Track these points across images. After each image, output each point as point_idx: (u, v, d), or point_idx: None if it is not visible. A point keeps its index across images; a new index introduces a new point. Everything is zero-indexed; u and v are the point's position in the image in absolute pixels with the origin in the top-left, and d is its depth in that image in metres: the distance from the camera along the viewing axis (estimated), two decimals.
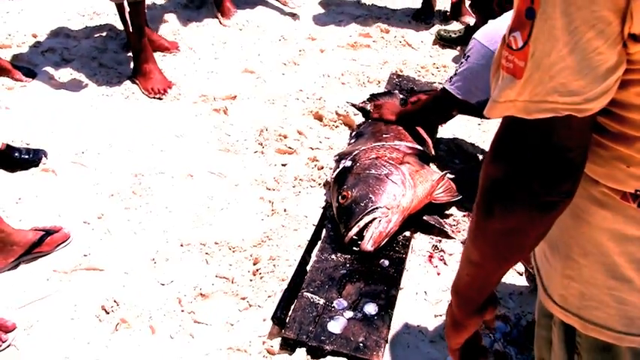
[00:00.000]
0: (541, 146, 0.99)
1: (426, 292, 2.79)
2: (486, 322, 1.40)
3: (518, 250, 1.14)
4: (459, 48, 4.68)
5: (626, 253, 1.13)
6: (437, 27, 5.07)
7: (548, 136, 0.98)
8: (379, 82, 4.30)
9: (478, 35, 3.00)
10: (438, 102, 3.27)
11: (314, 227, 3.07)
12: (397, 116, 3.54)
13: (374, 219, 2.84)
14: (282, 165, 3.52)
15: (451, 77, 3.12)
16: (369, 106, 3.81)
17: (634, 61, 0.94)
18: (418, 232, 3.08)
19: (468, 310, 1.33)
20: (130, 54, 4.35)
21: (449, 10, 5.28)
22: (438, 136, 3.72)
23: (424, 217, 3.08)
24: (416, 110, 3.49)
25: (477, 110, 3.11)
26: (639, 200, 1.08)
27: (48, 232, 2.92)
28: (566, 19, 0.89)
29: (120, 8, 3.99)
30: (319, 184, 3.37)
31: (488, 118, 3.10)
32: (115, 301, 2.68)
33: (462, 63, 3.06)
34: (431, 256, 2.97)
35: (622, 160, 1.07)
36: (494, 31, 2.95)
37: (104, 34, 4.75)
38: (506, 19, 2.90)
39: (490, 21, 3.02)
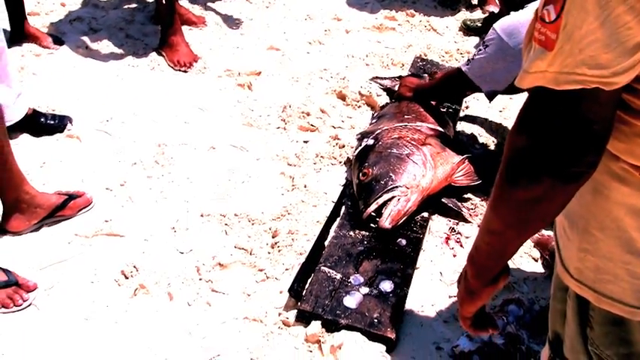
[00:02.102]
0: (568, 117, 1.02)
1: (441, 273, 2.81)
2: (499, 289, 1.42)
3: (540, 219, 1.17)
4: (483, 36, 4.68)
5: None
6: (462, 13, 5.06)
7: (575, 108, 1.01)
8: (403, 65, 4.31)
9: (498, 27, 3.03)
10: (452, 81, 3.33)
11: (333, 204, 3.10)
12: (413, 92, 3.57)
13: (393, 197, 2.87)
14: (304, 142, 3.54)
15: (468, 60, 3.16)
16: (395, 86, 3.84)
17: None
18: (436, 214, 3.10)
19: (484, 280, 1.36)
20: (157, 26, 4.38)
21: None
22: (460, 121, 3.73)
23: (443, 200, 3.10)
24: (431, 87, 3.54)
25: (489, 96, 3.16)
26: None
27: (71, 197, 2.96)
28: None
29: None
30: (340, 162, 3.39)
31: (491, 100, 3.16)
32: (134, 267, 2.72)
33: (480, 50, 3.09)
34: (448, 238, 2.99)
35: None
36: (514, 25, 2.98)
37: (132, 5, 4.78)
38: (528, 12, 2.93)
39: (512, 12, 3.03)
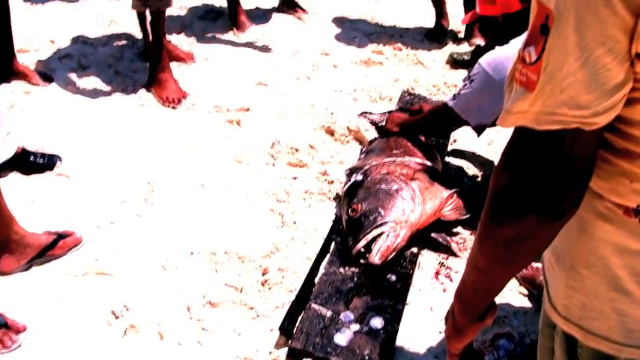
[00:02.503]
0: (550, 156, 1.03)
1: (431, 308, 2.82)
2: (486, 326, 1.42)
3: (525, 256, 1.18)
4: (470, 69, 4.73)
5: (627, 266, 1.17)
6: (449, 46, 5.11)
7: (557, 147, 1.02)
8: (391, 99, 4.34)
9: (483, 61, 3.07)
10: (438, 116, 3.35)
11: (323, 240, 3.11)
12: (400, 127, 3.59)
13: (382, 233, 2.88)
14: (293, 178, 3.55)
15: (454, 95, 3.19)
16: (384, 121, 3.88)
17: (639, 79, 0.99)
18: (425, 249, 3.11)
19: (471, 316, 1.37)
20: (146, 63, 4.41)
21: (461, 30, 5.33)
22: (448, 154, 3.76)
23: (432, 234, 3.11)
24: (417, 122, 3.55)
25: (477, 130, 3.19)
26: None
27: (60, 236, 2.96)
28: (578, 35, 0.94)
29: (141, 17, 4.05)
30: (329, 198, 3.41)
31: (479, 134, 3.19)
32: (124, 306, 2.72)
33: (465, 85, 3.13)
34: (437, 273, 2.99)
35: (625, 176, 1.11)
36: (499, 60, 3.02)
37: (121, 42, 4.81)
38: (512, 47, 2.98)
39: (497, 47, 3.07)
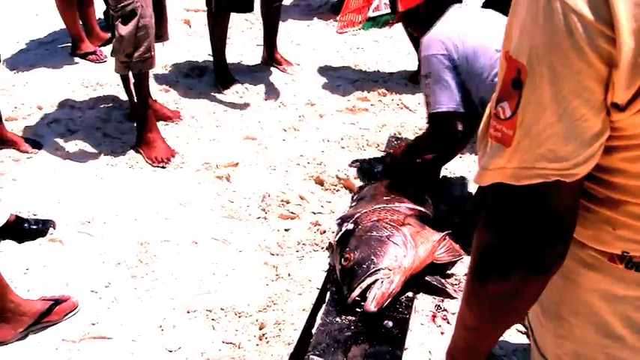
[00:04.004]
0: (532, 211, 1.05)
1: (430, 352, 2.82)
2: None
3: (514, 313, 1.19)
4: None
5: (616, 312, 1.18)
6: None
7: (538, 202, 1.04)
8: (378, 145, 4.38)
9: (422, 53, 3.26)
10: (433, 134, 3.41)
11: (318, 291, 3.12)
12: (401, 154, 3.68)
13: (376, 280, 2.88)
14: (285, 230, 3.57)
15: (428, 103, 3.27)
16: (376, 169, 3.99)
17: (617, 128, 1.00)
18: (420, 293, 3.11)
19: None
20: (133, 123, 4.44)
21: None
22: (438, 196, 3.78)
23: (426, 278, 3.12)
24: (416, 142, 3.63)
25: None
26: (626, 261, 1.12)
27: (56, 302, 2.96)
28: (553, 88, 0.96)
29: (125, 79, 4.10)
30: (322, 248, 3.42)
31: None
32: None
33: (427, 84, 3.23)
34: (434, 316, 3.00)
35: (608, 223, 1.12)
36: (430, 39, 3.24)
37: (108, 104, 4.85)
38: (437, 27, 3.23)
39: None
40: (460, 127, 3.26)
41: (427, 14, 3.32)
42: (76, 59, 5.54)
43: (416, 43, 4.81)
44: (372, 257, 2.97)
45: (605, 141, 1.01)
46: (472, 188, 3.87)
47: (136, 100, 4.15)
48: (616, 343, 1.20)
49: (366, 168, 4.05)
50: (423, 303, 3.08)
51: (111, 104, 4.85)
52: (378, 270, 2.92)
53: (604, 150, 1.03)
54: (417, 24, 3.45)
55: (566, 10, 0.93)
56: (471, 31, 3.21)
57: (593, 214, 1.14)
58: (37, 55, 5.63)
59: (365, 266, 2.95)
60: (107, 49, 5.30)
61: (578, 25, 0.92)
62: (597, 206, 1.13)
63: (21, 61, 5.45)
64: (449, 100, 3.19)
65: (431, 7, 3.32)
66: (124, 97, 4.68)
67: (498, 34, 3.27)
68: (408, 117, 4.77)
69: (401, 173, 3.67)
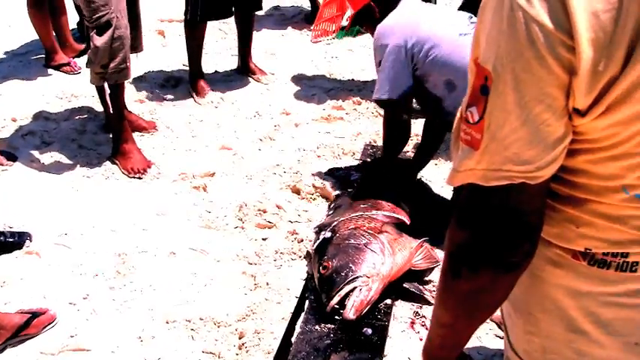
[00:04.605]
0: (500, 211, 1.09)
1: (409, 358, 2.84)
2: None
3: (486, 308, 1.23)
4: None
5: (581, 308, 1.21)
6: None
7: (505, 202, 1.08)
8: (354, 153, 4.40)
9: (375, 43, 3.39)
10: (385, 123, 3.58)
11: (297, 299, 3.13)
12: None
13: (355, 288, 2.90)
14: (263, 239, 3.58)
15: (376, 89, 3.41)
16: (353, 177, 4.01)
17: (579, 132, 1.04)
18: (399, 300, 3.14)
19: None
20: (109, 135, 4.44)
21: None
22: (415, 203, 3.80)
23: (404, 285, 3.14)
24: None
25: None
26: (589, 258, 1.17)
27: (34, 315, 2.95)
28: (517, 94, 1.00)
29: (100, 90, 4.10)
30: (300, 257, 3.43)
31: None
32: None
33: (378, 71, 3.37)
34: (413, 322, 3.03)
35: (572, 222, 1.16)
36: (382, 28, 3.35)
37: (83, 116, 4.84)
38: (390, 16, 3.35)
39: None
40: (403, 117, 3.47)
41: (380, 11, 3.41)
42: (50, 71, 5.54)
43: None
44: (350, 265, 2.99)
45: (569, 144, 1.06)
46: (448, 195, 3.90)
47: (111, 111, 4.15)
48: (582, 338, 1.24)
49: (342, 176, 4.07)
50: (402, 310, 3.11)
51: (86, 115, 4.85)
52: (357, 278, 2.94)
53: (568, 152, 1.07)
54: (371, 22, 3.51)
55: (528, 20, 0.97)
56: (426, 18, 3.30)
57: (558, 212, 1.18)
58: (11, 66, 5.63)
59: (343, 274, 2.97)
60: (81, 61, 5.32)
61: (539, 34, 0.96)
62: (562, 205, 1.17)
63: None
64: (391, 90, 3.32)
65: (382, 2, 3.43)
66: (99, 108, 4.69)
67: (455, 20, 3.37)
68: (381, 125, 4.79)
69: (378, 177, 3.71)
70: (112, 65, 3.95)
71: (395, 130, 3.55)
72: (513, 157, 1.03)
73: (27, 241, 3.49)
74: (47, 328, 2.97)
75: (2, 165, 4.17)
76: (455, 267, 1.18)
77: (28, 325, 2.91)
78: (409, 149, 4.25)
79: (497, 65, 1.01)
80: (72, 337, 2.94)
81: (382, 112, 4.81)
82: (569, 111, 1.01)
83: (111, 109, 4.16)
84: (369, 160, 4.21)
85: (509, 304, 1.36)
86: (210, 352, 2.86)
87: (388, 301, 3.08)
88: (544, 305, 1.26)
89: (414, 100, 3.50)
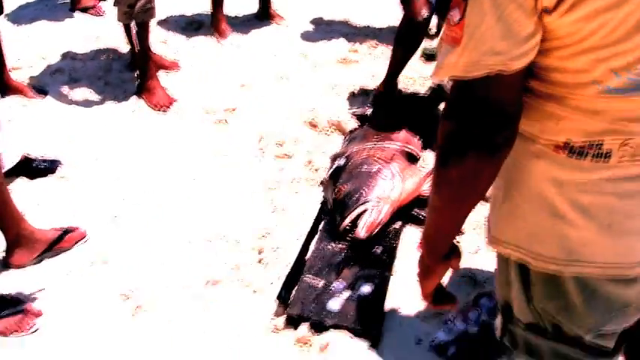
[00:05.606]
0: (481, 100, 1.25)
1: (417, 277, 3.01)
2: (453, 268, 1.62)
3: (473, 192, 1.37)
4: None
5: (562, 195, 1.36)
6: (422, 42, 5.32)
7: (486, 93, 1.24)
8: (369, 92, 4.54)
9: None
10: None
11: (312, 222, 3.33)
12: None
13: (366, 210, 3.10)
14: (281, 169, 3.76)
15: None
16: (367, 112, 4.17)
17: (549, 30, 1.20)
18: (408, 224, 3.31)
19: (437, 256, 1.56)
20: (134, 73, 4.63)
21: (432, 27, 5.52)
22: (425, 138, 3.96)
23: (413, 210, 3.33)
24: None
25: None
26: (568, 149, 1.32)
27: (66, 231, 3.17)
28: None
29: (127, 28, 4.27)
30: (316, 184, 3.62)
31: None
32: (131, 290, 2.93)
33: None
34: (420, 246, 3.20)
35: (552, 117, 1.32)
36: None
37: (108, 56, 5.00)
38: None
39: None
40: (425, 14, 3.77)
41: None
42: (76, 14, 5.67)
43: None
44: (362, 189, 3.19)
45: (542, 43, 1.22)
46: None
47: (137, 49, 4.32)
48: (563, 222, 1.38)
49: (357, 112, 4.24)
50: (410, 234, 3.28)
51: (111, 56, 5.01)
52: (368, 201, 3.14)
53: (541, 51, 1.23)
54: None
55: None
56: None
57: (540, 110, 1.33)
58: (37, 10, 5.76)
59: (355, 197, 3.16)
60: (106, 4, 5.46)
61: None
62: (542, 102, 1.32)
63: (21, 16, 5.58)
64: None
65: None
66: (123, 49, 4.87)
67: None
68: None
69: (389, 109, 3.90)
70: (138, 4, 4.12)
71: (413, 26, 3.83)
72: (489, 50, 1.19)
73: (58, 167, 3.71)
74: (79, 243, 3.19)
75: (34, 99, 4.35)
76: (444, 156, 1.33)
77: (61, 240, 3.13)
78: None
79: None
80: (102, 251, 3.16)
81: None
82: (538, 10, 1.17)
83: (137, 47, 4.33)
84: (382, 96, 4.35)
85: (496, 198, 1.51)
86: (231, 266, 3.07)
87: (398, 225, 3.27)
88: (529, 195, 1.41)
89: None
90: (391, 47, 5.07)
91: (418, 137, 3.76)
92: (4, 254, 3.08)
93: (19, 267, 3.04)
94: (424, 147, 3.74)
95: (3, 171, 3.05)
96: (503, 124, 1.27)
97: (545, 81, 1.30)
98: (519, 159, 1.37)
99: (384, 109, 4.01)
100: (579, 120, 1.29)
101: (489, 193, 1.46)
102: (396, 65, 4.08)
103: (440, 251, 1.55)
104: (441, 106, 3.99)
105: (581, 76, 1.25)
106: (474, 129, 1.26)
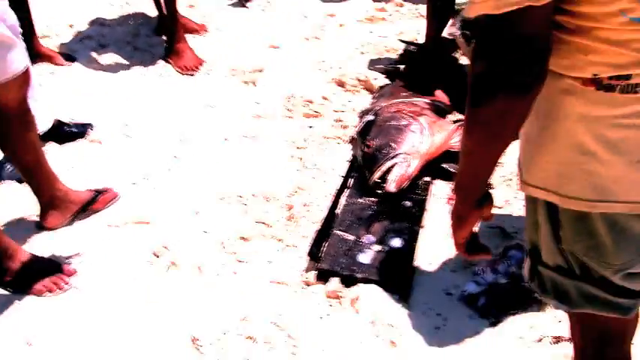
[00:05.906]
0: (512, 37, 1.24)
1: (446, 231, 3.02)
2: (485, 217, 1.59)
3: (504, 133, 1.36)
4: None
5: (590, 131, 1.35)
6: None
7: (517, 28, 1.23)
8: (396, 50, 4.53)
9: None
10: None
11: (341, 178, 3.34)
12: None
13: (395, 164, 3.11)
14: (310, 127, 3.78)
15: None
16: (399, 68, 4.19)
17: None
18: (437, 179, 3.32)
19: (469, 202, 1.53)
20: (162, 37, 4.65)
21: None
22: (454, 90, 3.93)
23: (443, 165, 3.32)
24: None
25: None
26: (597, 83, 1.31)
27: (99, 192, 3.20)
28: None
29: None
30: (344, 141, 3.63)
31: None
32: (164, 247, 2.96)
33: None
34: (450, 199, 3.20)
35: (580, 51, 1.31)
36: None
37: (136, 21, 5.02)
38: None
39: None
40: None
41: None
42: None
43: None
44: (392, 143, 3.19)
45: None
46: None
47: (165, 12, 4.33)
48: (592, 159, 1.37)
49: (385, 70, 4.23)
50: (440, 188, 3.29)
51: (139, 21, 5.02)
52: (397, 155, 3.14)
53: None
54: None
55: None
56: None
57: (568, 44, 1.32)
58: None
59: (385, 151, 3.17)
60: None
61: None
62: (570, 36, 1.31)
63: None
64: None
65: None
66: (150, 14, 4.88)
67: None
68: (424, 25, 4.86)
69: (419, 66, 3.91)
70: None
71: None
72: None
73: (89, 130, 3.74)
74: (111, 203, 3.22)
75: (62, 65, 4.38)
76: (475, 96, 1.32)
77: (95, 201, 3.17)
78: None
79: None
80: (134, 211, 3.19)
81: (423, 12, 4.94)
82: None
83: (165, 10, 4.34)
84: (410, 53, 4.34)
85: (524, 139, 1.51)
86: (262, 222, 3.09)
87: (427, 179, 3.27)
88: (559, 134, 1.40)
89: None
90: (417, 4, 5.06)
91: (446, 90, 3.75)
92: (37, 217, 3.11)
93: (53, 228, 3.08)
94: (455, 105, 3.72)
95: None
96: (534, 59, 1.26)
97: (572, 14, 1.29)
98: (548, 96, 1.36)
99: (422, 67, 3.97)
100: (607, 52, 1.28)
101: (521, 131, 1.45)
102: (435, 23, 3.98)
103: (473, 197, 1.53)
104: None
105: (608, 6, 1.23)
106: (506, 67, 1.25)
